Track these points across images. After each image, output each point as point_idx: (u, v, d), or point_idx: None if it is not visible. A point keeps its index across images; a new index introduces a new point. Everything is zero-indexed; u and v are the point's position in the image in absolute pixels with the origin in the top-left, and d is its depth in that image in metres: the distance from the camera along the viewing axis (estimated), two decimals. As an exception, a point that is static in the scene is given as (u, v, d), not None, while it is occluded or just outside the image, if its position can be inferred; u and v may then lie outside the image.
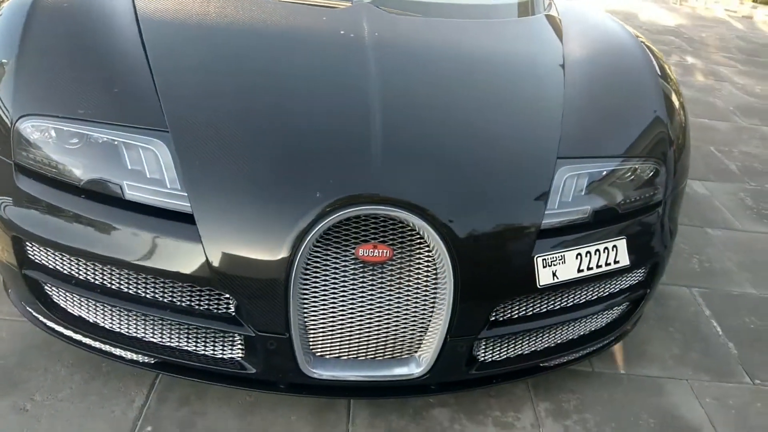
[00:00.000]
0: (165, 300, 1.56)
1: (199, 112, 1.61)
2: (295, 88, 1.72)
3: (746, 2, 8.67)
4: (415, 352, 1.61)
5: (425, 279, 1.54)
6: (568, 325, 1.77)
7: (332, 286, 1.51)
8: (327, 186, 1.50)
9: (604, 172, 1.75)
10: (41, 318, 1.70)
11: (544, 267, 1.61)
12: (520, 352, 1.74)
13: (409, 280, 1.53)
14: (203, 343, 1.60)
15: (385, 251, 1.51)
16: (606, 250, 1.70)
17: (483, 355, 1.69)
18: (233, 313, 1.54)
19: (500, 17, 2.24)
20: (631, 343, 2.14)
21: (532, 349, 1.75)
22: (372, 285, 1.52)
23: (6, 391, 1.68)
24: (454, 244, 1.50)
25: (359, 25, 1.91)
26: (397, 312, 1.54)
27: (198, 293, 1.55)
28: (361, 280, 1.51)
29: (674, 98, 2.02)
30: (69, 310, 1.65)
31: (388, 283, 1.53)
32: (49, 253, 1.59)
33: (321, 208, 1.47)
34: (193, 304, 1.56)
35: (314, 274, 1.49)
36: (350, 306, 1.52)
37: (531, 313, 1.69)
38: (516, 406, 1.84)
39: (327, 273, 1.50)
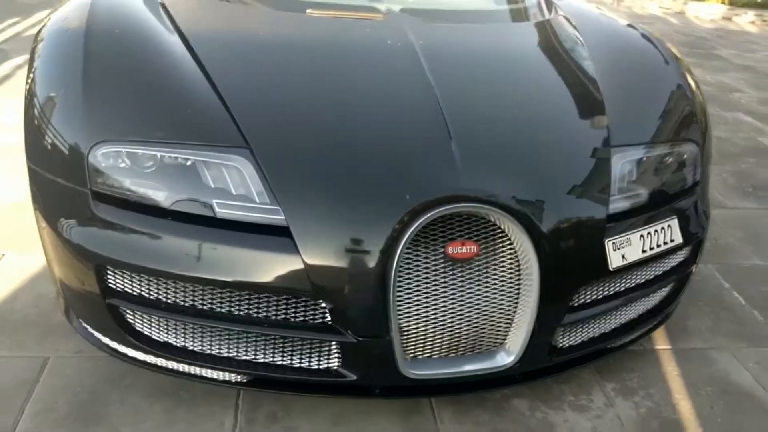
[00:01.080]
0: (259, 315, 1.56)
1: (277, 127, 1.62)
2: (363, 98, 1.75)
3: (677, -1, 9.20)
4: (502, 344, 1.66)
5: (510, 272, 1.59)
6: (631, 305, 1.86)
7: (424, 285, 1.55)
8: (415, 188, 1.54)
9: (651, 157, 1.86)
10: (121, 348, 1.67)
11: (614, 250, 1.70)
12: (591, 336, 1.82)
13: (495, 274, 1.59)
14: (298, 356, 1.60)
15: (472, 248, 1.56)
16: (663, 230, 1.80)
17: (561, 341, 1.75)
18: (330, 322, 1.55)
19: (517, 20, 2.34)
20: (670, 320, 2.25)
21: (601, 331, 1.84)
22: (461, 281, 1.56)
23: (90, 426, 1.63)
24: (535, 236, 1.57)
25: (403, 34, 1.97)
26: (485, 306, 1.59)
27: (294, 305, 1.55)
28: (451, 277, 1.56)
29: (694, 85, 2.16)
30: (154, 336, 1.62)
31: (476, 279, 1.57)
32: (135, 279, 1.56)
33: (411, 210, 1.51)
34: (288, 316, 1.56)
35: (407, 275, 1.53)
36: (442, 303, 1.56)
37: (602, 296, 1.77)
38: (586, 390, 1.92)
39: (419, 273, 1.54)
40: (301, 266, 1.49)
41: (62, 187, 1.60)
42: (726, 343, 2.18)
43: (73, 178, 1.57)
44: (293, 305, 1.55)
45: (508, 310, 1.62)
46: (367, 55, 1.90)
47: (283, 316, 1.56)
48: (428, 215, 1.50)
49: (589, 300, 1.74)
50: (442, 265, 1.55)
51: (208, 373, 1.64)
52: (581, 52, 2.15)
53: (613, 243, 1.69)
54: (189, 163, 1.55)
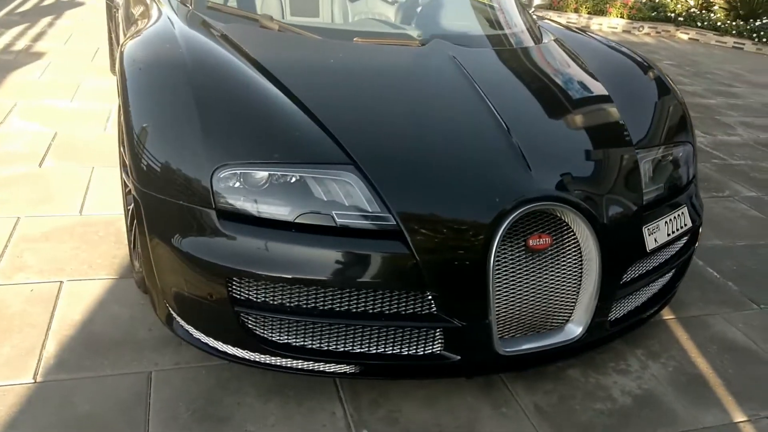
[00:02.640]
0: (374, 311, 1.77)
1: (376, 144, 1.84)
2: (437, 114, 2.00)
3: (583, 14, 10.02)
4: (570, 319, 1.95)
5: (574, 258, 1.89)
6: (657, 280, 2.21)
7: (511, 273, 1.81)
8: (502, 192, 1.81)
9: (661, 157, 2.23)
10: (239, 352, 1.81)
11: (649, 235, 2.04)
12: (632, 308, 2.15)
13: (563, 260, 1.88)
14: (407, 344, 1.82)
15: (546, 239, 1.84)
16: (678, 217, 2.17)
17: (613, 314, 2.07)
18: (435, 311, 1.78)
19: (523, 44, 2.66)
20: (668, 294, 2.64)
21: (638, 304, 2.17)
22: (538, 268, 1.84)
23: (219, 426, 1.77)
24: (594, 226, 1.87)
25: (449, 58, 2.24)
26: (557, 287, 1.88)
27: (404, 299, 1.77)
28: (531, 265, 1.83)
29: (678, 92, 2.56)
30: (275, 338, 1.78)
31: (549, 265, 1.86)
32: (261, 287, 1.73)
33: (501, 210, 1.78)
34: (399, 309, 1.78)
35: (497, 265, 1.79)
36: (525, 288, 1.83)
37: (640, 274, 2.10)
38: (621, 356, 2.25)
39: (506, 263, 1.80)
40: (413, 264, 1.71)
41: (185, 208, 1.74)
42: (716, 310, 2.60)
43: (196, 199, 1.72)
44: (404, 299, 1.77)
45: (574, 290, 1.91)
46: (428, 76, 2.15)
47: (395, 309, 1.78)
48: (516, 214, 1.77)
49: (631, 278, 2.07)
50: (524, 256, 1.82)
51: (326, 367, 1.81)
52: (584, 71, 2.50)
53: (648, 229, 2.04)
54: (303, 180, 1.73)
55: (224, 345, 1.83)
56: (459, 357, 1.83)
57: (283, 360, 1.81)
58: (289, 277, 1.70)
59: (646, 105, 2.40)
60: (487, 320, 1.79)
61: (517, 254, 1.81)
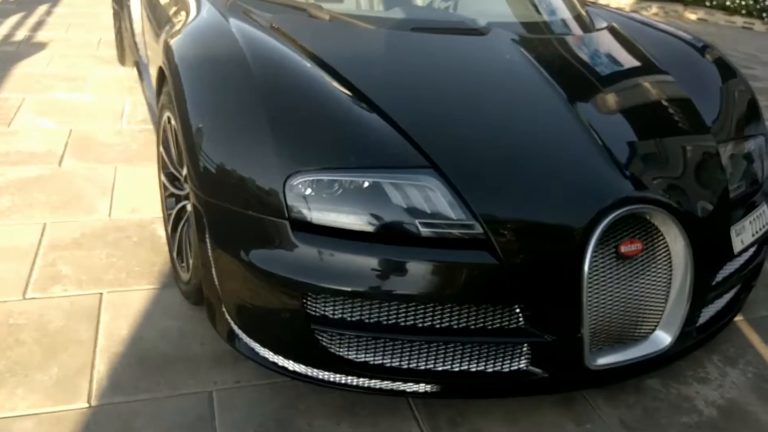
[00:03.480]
0: (459, 326, 1.63)
1: (457, 145, 1.70)
2: (515, 110, 1.87)
3: None
4: (658, 328, 1.83)
5: (664, 263, 1.77)
6: (740, 280, 2.10)
7: (602, 282, 1.68)
8: (593, 195, 1.67)
9: (740, 151, 2.10)
10: (309, 371, 1.68)
11: (736, 236, 1.92)
12: (714, 313, 2.03)
13: (653, 266, 1.75)
14: (492, 361, 1.69)
15: (638, 245, 1.71)
16: (760, 216, 2.05)
17: (700, 320, 1.95)
18: (523, 325, 1.65)
19: (580, 31, 2.52)
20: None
21: (718, 309, 2.06)
22: (629, 275, 1.72)
23: (293, 453, 1.64)
24: (686, 228, 1.75)
25: (514, 49, 2.09)
26: (645, 295, 1.76)
27: (491, 313, 1.64)
28: (622, 272, 1.71)
29: (745, 78, 2.44)
30: (351, 356, 1.65)
31: (640, 272, 1.73)
32: (338, 303, 1.59)
33: (595, 214, 1.64)
34: (486, 324, 1.65)
35: (590, 274, 1.66)
36: (616, 297, 1.71)
37: (725, 276, 1.98)
38: (699, 364, 2.13)
39: (598, 271, 1.67)
40: (502, 274, 1.58)
41: (255, 219, 1.59)
42: (779, 310, 2.50)
43: (268, 209, 1.58)
44: (491, 313, 1.64)
45: (663, 296, 1.79)
46: (497, 69, 2.01)
47: (481, 324, 1.65)
48: (610, 217, 1.64)
49: (719, 281, 1.95)
50: (615, 263, 1.70)
51: (406, 386, 1.68)
52: (649, 58, 2.36)
53: (735, 230, 1.91)
54: (380, 186, 1.59)
55: (294, 364, 1.69)
56: (546, 374, 1.71)
57: (361, 380, 1.67)
58: (370, 291, 1.56)
59: (714, 94, 2.28)
60: (579, 334, 1.66)
61: (609, 262, 1.68)
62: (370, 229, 1.57)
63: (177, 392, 1.79)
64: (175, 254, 2.19)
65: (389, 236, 1.58)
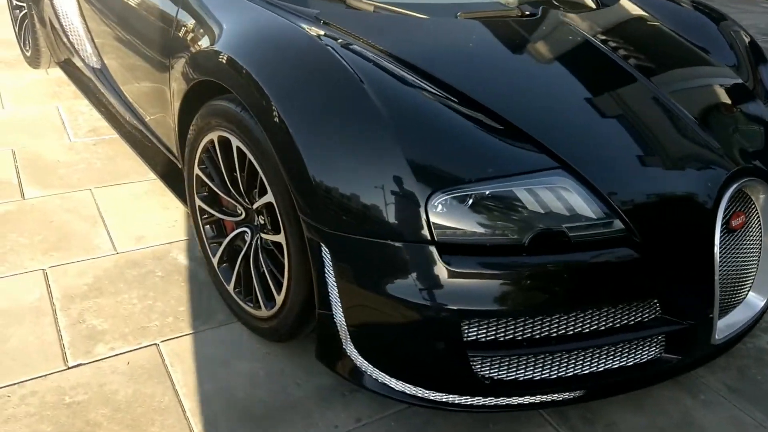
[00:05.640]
0: (605, 328, 1.58)
1: (579, 138, 1.61)
2: (610, 96, 1.79)
3: None
4: (752, 290, 1.88)
5: (757, 230, 1.81)
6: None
7: (722, 258, 1.69)
8: (714, 173, 1.66)
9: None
10: (458, 399, 1.56)
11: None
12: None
13: (749, 235, 1.79)
14: (632, 355, 1.65)
15: (742, 218, 1.74)
16: None
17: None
18: (661, 315, 1.63)
19: (608, 3, 2.47)
20: None
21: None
22: (735, 246, 1.74)
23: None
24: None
25: (573, 30, 2.01)
26: (745, 262, 1.80)
27: (633, 309, 1.60)
28: (731, 244, 1.73)
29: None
30: (501, 376, 1.55)
31: (741, 242, 1.77)
32: (492, 325, 1.48)
33: (718, 193, 1.64)
34: (628, 321, 1.60)
35: (719, 252, 1.66)
36: (728, 269, 1.73)
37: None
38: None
39: (720, 248, 1.68)
40: (644, 267, 1.54)
41: (394, 248, 1.43)
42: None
43: (409, 235, 1.42)
44: (633, 309, 1.60)
45: (755, 262, 1.84)
46: (574, 53, 1.92)
47: (625, 321, 1.60)
48: (728, 194, 1.65)
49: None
50: (727, 238, 1.71)
51: (553, 397, 1.61)
52: (671, 28, 2.38)
53: None
54: (515, 195, 1.48)
55: (438, 393, 1.56)
56: (679, 356, 1.71)
57: (511, 399, 1.58)
58: (526, 307, 1.47)
59: (743, 62, 2.35)
60: (711, 314, 1.67)
61: (724, 237, 1.70)
62: (514, 241, 1.46)
63: (301, 444, 1.61)
64: (232, 288, 1.94)
65: (535, 246, 1.48)
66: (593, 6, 2.42)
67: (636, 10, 2.44)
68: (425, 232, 1.42)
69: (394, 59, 1.69)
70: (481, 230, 1.45)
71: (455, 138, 1.51)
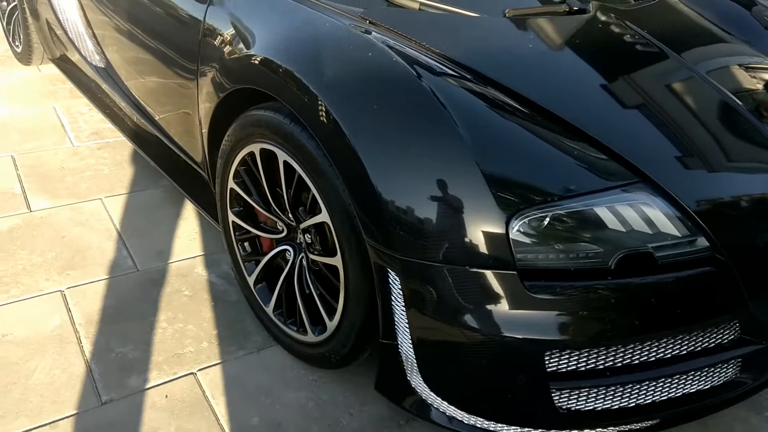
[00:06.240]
0: (686, 352, 1.49)
1: (653, 146, 1.51)
2: (675, 98, 1.70)
3: None
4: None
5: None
6: None
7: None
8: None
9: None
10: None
11: None
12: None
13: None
14: (709, 379, 1.56)
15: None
16: None
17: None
18: (740, 336, 1.54)
19: None
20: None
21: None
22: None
23: None
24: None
25: (625, 26, 1.90)
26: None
27: (716, 331, 1.51)
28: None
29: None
30: (579, 407, 1.45)
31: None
32: (573, 354, 1.37)
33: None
34: (710, 343, 1.51)
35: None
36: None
37: None
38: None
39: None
40: (729, 284, 1.45)
41: (471, 274, 1.31)
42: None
43: (489, 260, 1.30)
44: (714, 331, 1.51)
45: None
46: (634, 52, 1.81)
47: (705, 344, 1.51)
48: None
49: None
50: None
51: (630, 427, 1.52)
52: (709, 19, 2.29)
53: None
54: (596, 213, 1.37)
55: (509, 426, 1.46)
56: (753, 377, 1.62)
57: (584, 431, 1.48)
58: (616, 335, 1.37)
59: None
60: (789, 331, 1.59)
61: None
62: (599, 264, 1.36)
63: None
64: (272, 309, 1.82)
65: (627, 269, 1.37)
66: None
67: (676, 3, 2.34)
68: (507, 256, 1.31)
69: (457, 65, 1.57)
70: (563, 253, 1.35)
71: (533, 154, 1.39)
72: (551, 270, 1.34)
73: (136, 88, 2.55)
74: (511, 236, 1.30)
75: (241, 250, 1.91)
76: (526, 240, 1.32)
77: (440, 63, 1.53)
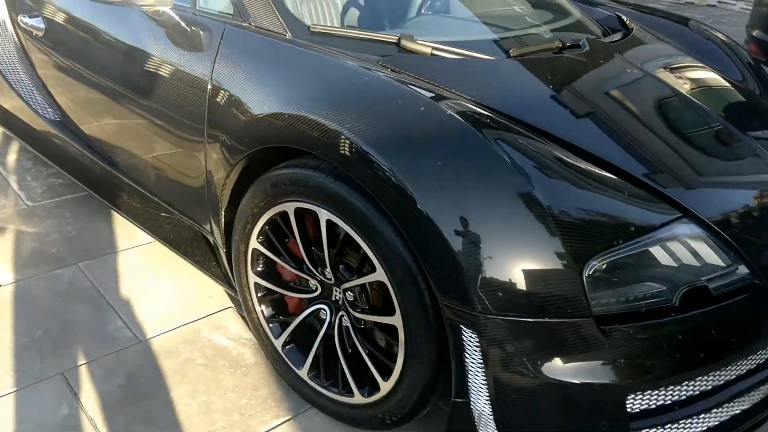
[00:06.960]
0: (734, 377, 1.54)
1: (689, 182, 1.55)
2: (691, 129, 1.77)
3: None
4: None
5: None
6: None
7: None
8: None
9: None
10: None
11: None
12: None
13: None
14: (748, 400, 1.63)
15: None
16: None
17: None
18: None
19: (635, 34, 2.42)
20: None
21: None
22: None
23: None
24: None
25: (628, 63, 1.96)
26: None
27: (761, 353, 1.57)
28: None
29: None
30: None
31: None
32: (653, 394, 1.39)
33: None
34: (758, 366, 1.57)
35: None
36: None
37: None
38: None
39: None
40: (769, 309, 1.52)
41: (551, 326, 1.30)
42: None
43: (567, 310, 1.30)
44: (761, 353, 1.57)
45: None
46: (643, 87, 1.85)
47: (751, 367, 1.57)
48: None
49: None
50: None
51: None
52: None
53: None
54: (648, 252, 1.40)
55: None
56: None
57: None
58: (689, 369, 1.40)
59: (745, 74, 2.42)
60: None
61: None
62: (664, 302, 1.38)
63: None
64: (305, 372, 1.73)
65: (689, 304, 1.41)
66: (610, 34, 2.40)
67: (650, 37, 2.44)
68: (583, 303, 1.31)
69: (498, 113, 1.56)
70: (632, 295, 1.36)
71: (592, 201, 1.40)
72: (620, 314, 1.36)
73: (113, 149, 2.38)
74: (585, 283, 1.31)
75: (264, 312, 1.81)
76: (598, 285, 1.33)
77: (487, 113, 1.52)
